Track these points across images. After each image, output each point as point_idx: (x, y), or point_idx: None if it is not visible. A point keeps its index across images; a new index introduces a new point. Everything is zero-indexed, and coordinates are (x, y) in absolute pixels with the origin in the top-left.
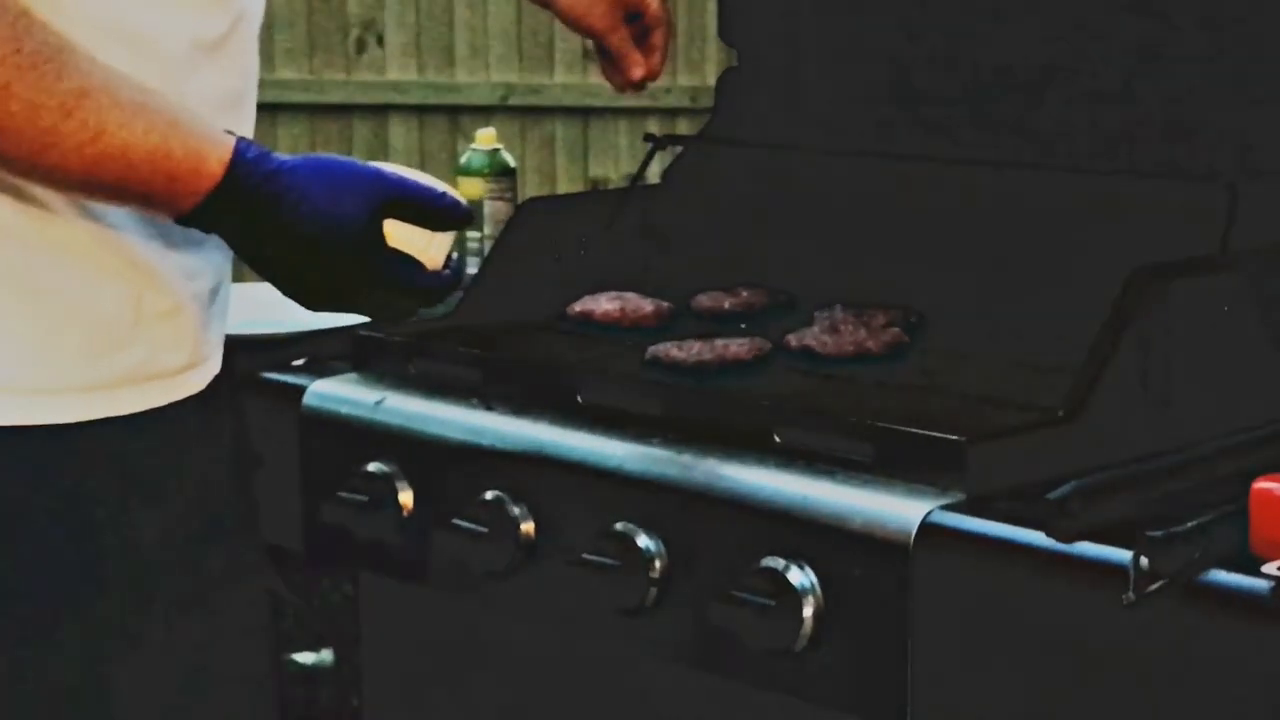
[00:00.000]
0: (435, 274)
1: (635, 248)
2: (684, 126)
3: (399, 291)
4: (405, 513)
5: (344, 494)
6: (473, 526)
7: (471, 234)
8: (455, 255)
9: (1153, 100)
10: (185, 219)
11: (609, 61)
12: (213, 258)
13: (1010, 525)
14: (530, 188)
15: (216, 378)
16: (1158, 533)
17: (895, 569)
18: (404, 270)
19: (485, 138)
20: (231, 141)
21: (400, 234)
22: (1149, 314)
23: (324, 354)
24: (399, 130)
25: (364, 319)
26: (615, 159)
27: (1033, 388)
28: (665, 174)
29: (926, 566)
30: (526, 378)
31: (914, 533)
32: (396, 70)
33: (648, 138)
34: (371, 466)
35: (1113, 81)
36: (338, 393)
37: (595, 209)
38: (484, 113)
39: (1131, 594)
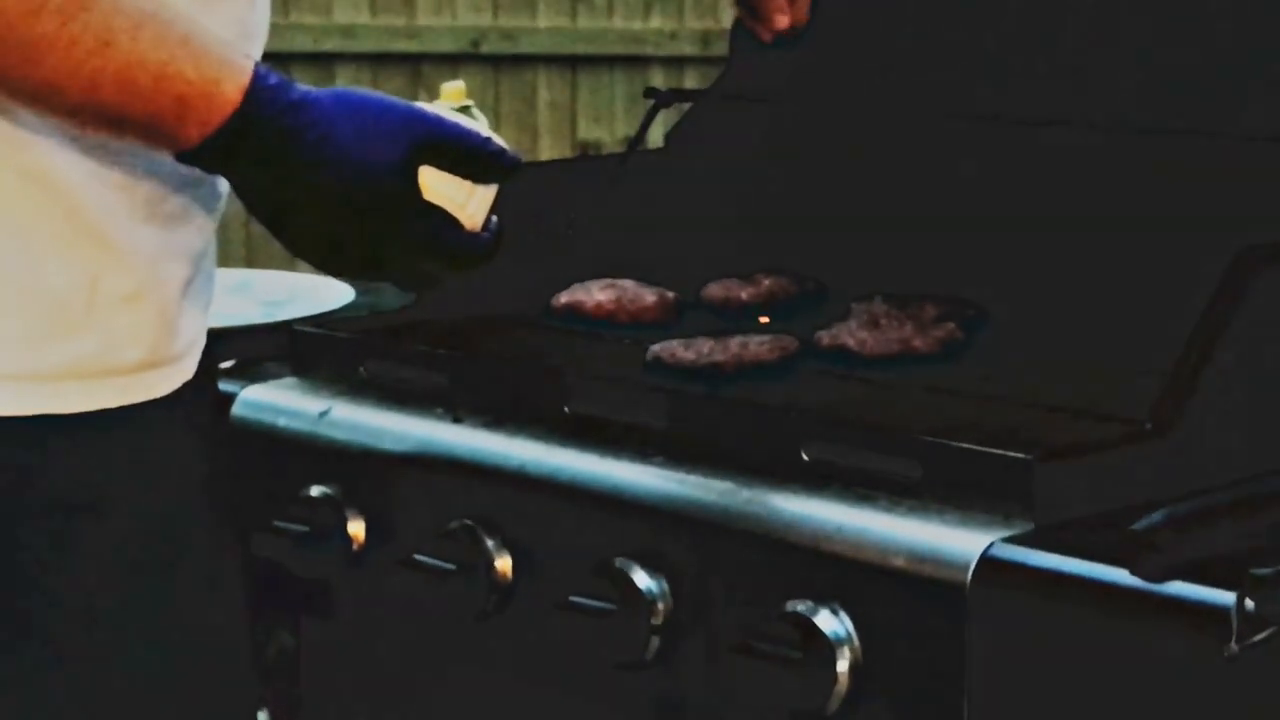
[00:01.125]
0: (474, 235)
1: (634, 226)
2: (692, 79)
3: (432, 253)
4: (355, 546)
5: (281, 523)
6: (437, 563)
7: None
8: (495, 217)
9: (1264, 51)
10: (189, 154)
11: (747, 9)
12: (189, 239)
13: (1087, 561)
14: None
15: (192, 384)
16: (1265, 570)
17: (949, 613)
18: (440, 228)
19: (452, 93)
20: (250, 65)
21: (437, 185)
22: (1257, 306)
23: (257, 354)
24: (347, 83)
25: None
26: (610, 119)
27: (1114, 395)
28: (670, 137)
29: (986, 610)
30: (503, 383)
31: (971, 569)
32: (344, 11)
33: (649, 93)
34: (314, 490)
35: (1222, 30)
36: (273, 401)
37: (585, 179)
38: (450, 62)
39: (1234, 644)
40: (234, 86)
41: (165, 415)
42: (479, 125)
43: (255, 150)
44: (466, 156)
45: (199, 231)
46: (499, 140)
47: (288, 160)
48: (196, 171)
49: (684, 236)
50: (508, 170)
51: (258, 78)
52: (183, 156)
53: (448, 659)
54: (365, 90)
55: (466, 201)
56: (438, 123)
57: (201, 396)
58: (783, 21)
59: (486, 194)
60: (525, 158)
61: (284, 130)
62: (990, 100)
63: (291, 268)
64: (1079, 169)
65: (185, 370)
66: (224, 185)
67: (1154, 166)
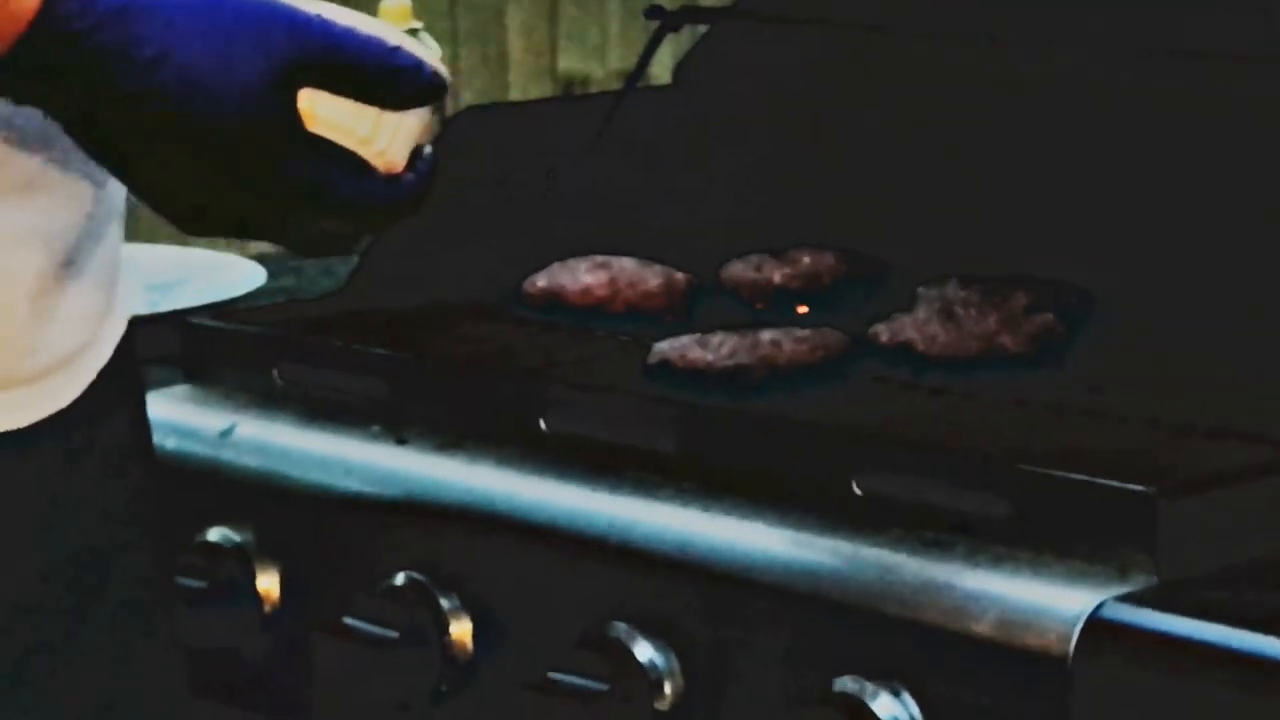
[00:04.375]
0: (387, 178)
1: (633, 186)
2: None
3: (327, 205)
4: (267, 607)
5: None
6: (375, 630)
7: None
8: (429, 148)
9: None
10: None
11: None
12: (53, 212)
13: (1224, 625)
14: (468, 92)
15: (90, 401)
16: None
17: (1046, 692)
18: (334, 170)
19: (395, 12)
20: None
21: (329, 113)
22: None
23: (139, 354)
24: None
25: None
26: (601, 46)
27: (1259, 409)
28: (678, 69)
29: (1095, 688)
30: (460, 392)
31: (1075, 636)
32: None
33: (652, 12)
34: (213, 534)
35: None
36: (160, 416)
37: (569, 124)
38: None
39: None
40: None
41: (56, 437)
42: (425, 51)
43: (66, 75)
44: (365, 74)
45: (75, 203)
46: (413, 47)
47: (111, 88)
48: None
49: (698, 200)
50: (425, 91)
51: None
52: None
53: None
54: None
55: (373, 133)
56: (322, 29)
57: (108, 419)
58: None
59: (402, 123)
60: (490, 95)
61: (102, 48)
62: (1106, 22)
63: (183, 241)
64: (1214, 116)
65: (66, 388)
66: None
67: None
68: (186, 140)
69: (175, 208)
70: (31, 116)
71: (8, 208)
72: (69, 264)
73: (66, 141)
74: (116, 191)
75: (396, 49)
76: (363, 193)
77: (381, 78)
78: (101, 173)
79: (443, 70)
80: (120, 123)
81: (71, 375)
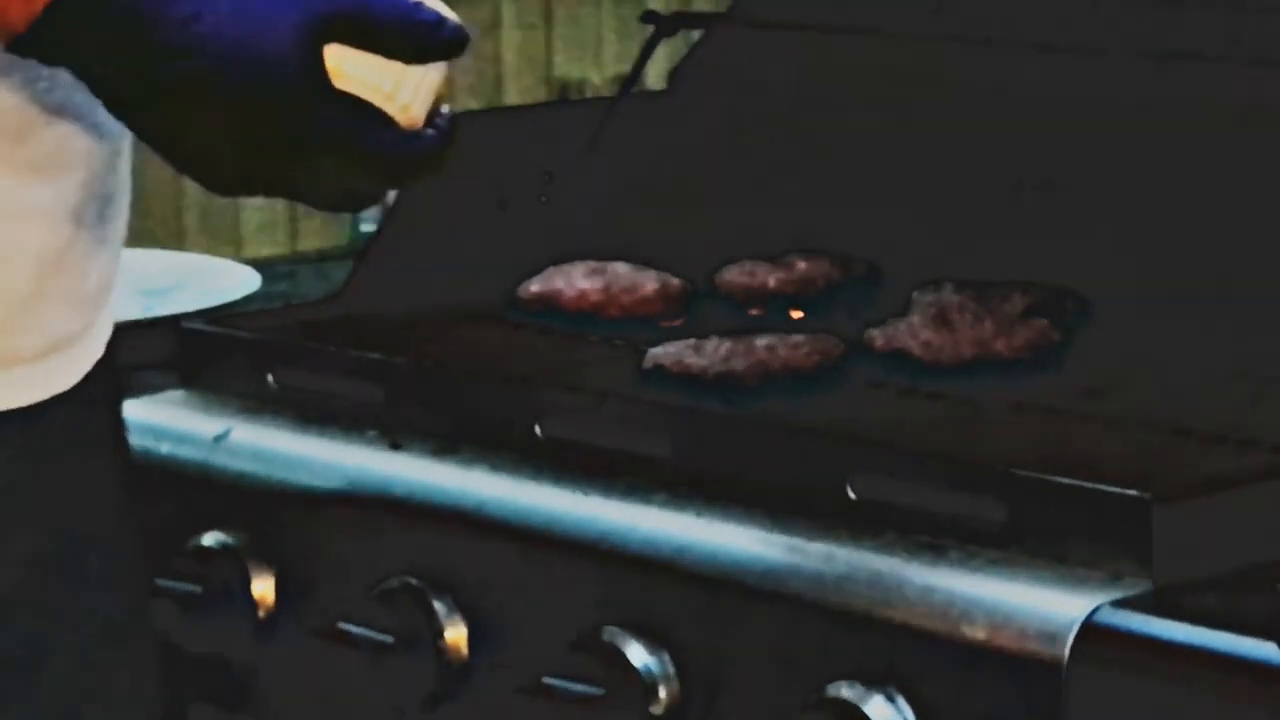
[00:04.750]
0: (410, 134)
1: (628, 191)
2: None
3: (354, 159)
4: (262, 612)
5: (165, 582)
6: (370, 634)
7: None
8: (446, 108)
9: None
10: (18, 43)
11: None
12: (64, 192)
13: (1221, 631)
14: (461, 95)
15: (66, 402)
16: None
17: (1041, 698)
18: (361, 125)
19: None
20: None
21: (354, 69)
22: None
23: (132, 359)
24: None
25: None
26: (596, 51)
27: (1257, 414)
28: (673, 75)
29: (1089, 694)
30: (455, 397)
31: (1070, 642)
32: None
33: (647, 16)
34: (208, 539)
35: None
36: (154, 421)
37: (564, 129)
38: None
39: None
40: None
41: (20, 432)
42: (444, 7)
43: (100, 34)
44: (390, 29)
45: (82, 184)
46: (436, 4)
47: (145, 46)
48: (60, 87)
49: (693, 205)
50: (448, 44)
51: None
52: (12, 45)
53: None
54: None
55: (396, 89)
56: None
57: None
58: None
59: (424, 77)
60: (484, 100)
61: (137, 5)
62: (1102, 27)
63: (179, 245)
64: (1214, 118)
65: (51, 377)
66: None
67: None
68: (217, 95)
69: (204, 165)
70: (50, 94)
71: (22, 185)
72: (74, 245)
73: (83, 122)
74: (126, 175)
75: (419, 4)
76: (388, 146)
77: (406, 32)
78: (115, 155)
79: (462, 25)
80: (150, 80)
81: (71, 358)
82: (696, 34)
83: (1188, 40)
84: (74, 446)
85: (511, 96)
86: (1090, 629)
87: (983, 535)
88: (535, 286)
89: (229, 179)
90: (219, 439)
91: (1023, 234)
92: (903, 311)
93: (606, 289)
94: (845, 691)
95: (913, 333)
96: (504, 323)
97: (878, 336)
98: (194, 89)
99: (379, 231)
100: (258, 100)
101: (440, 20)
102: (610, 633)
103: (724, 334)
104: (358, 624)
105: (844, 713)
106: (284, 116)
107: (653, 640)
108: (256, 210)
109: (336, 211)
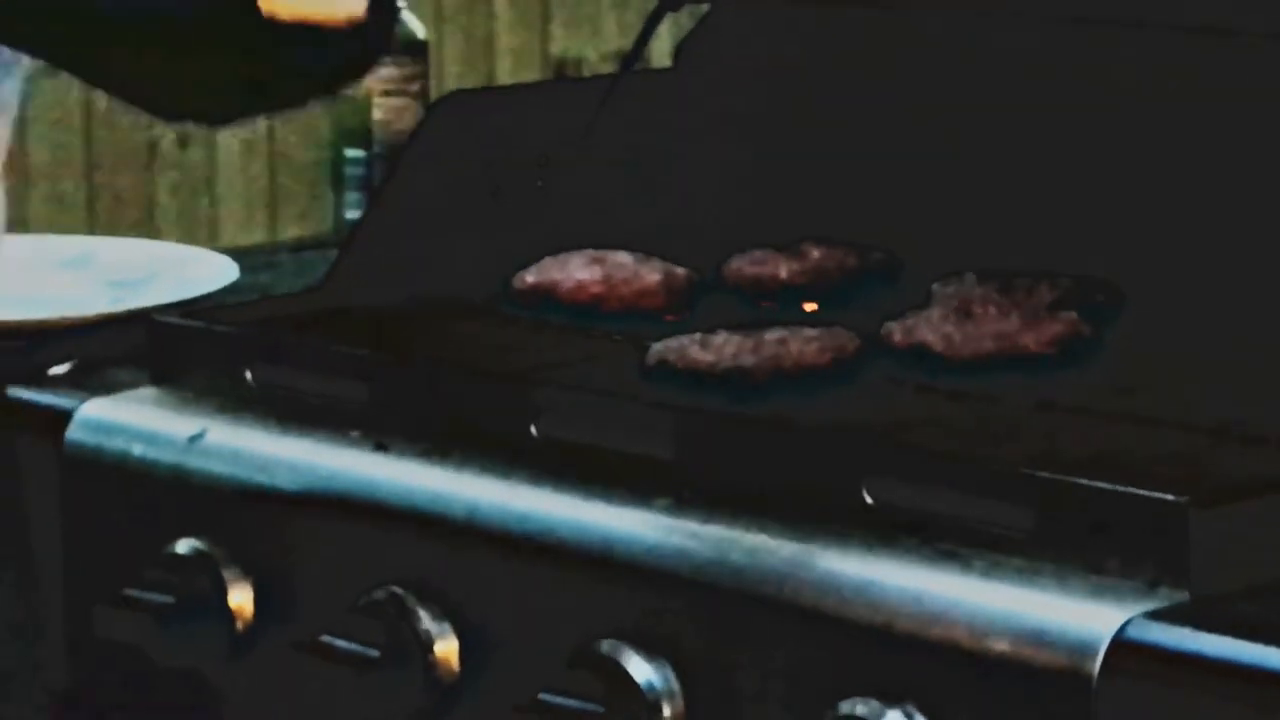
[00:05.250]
0: (351, 30)
1: (629, 175)
2: None
3: (298, 85)
4: (239, 624)
5: (134, 592)
6: (354, 648)
7: (352, 153)
8: None
9: None
10: None
11: None
12: None
13: (1262, 645)
14: (452, 74)
15: None
16: None
17: (1070, 715)
18: (297, 48)
19: None
20: None
21: None
22: None
23: (101, 354)
24: None
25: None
26: (594, 26)
27: None
28: (679, 51)
29: (1122, 711)
30: (445, 396)
31: (1101, 656)
32: None
33: None
34: (181, 546)
35: None
36: (125, 420)
37: (561, 110)
38: None
39: None
40: None
41: None
42: None
43: None
44: None
45: None
46: None
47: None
48: None
49: (699, 191)
50: None
51: None
52: None
53: None
54: None
55: None
56: None
57: None
58: None
59: None
60: (477, 78)
61: None
62: (1138, 4)
63: (151, 234)
64: (1251, 99)
65: None
66: (9, 85)
67: None
68: (153, 34)
69: (154, 103)
70: None
71: None
72: None
73: None
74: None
75: None
76: (329, 60)
77: None
78: None
79: None
80: (87, 28)
81: None
82: (704, 7)
83: (1229, 14)
84: None
85: (505, 75)
86: (1123, 643)
87: (1007, 542)
88: (531, 277)
89: (179, 114)
90: (194, 440)
91: (1051, 221)
92: (923, 304)
93: (607, 280)
94: (860, 708)
95: (933, 326)
96: (497, 316)
97: (896, 330)
98: (128, 33)
99: (364, 219)
100: (191, 36)
101: None
102: (610, 646)
103: (732, 328)
104: (341, 637)
105: None
106: (218, 50)
107: (655, 654)
108: (234, 196)
109: (297, 109)
